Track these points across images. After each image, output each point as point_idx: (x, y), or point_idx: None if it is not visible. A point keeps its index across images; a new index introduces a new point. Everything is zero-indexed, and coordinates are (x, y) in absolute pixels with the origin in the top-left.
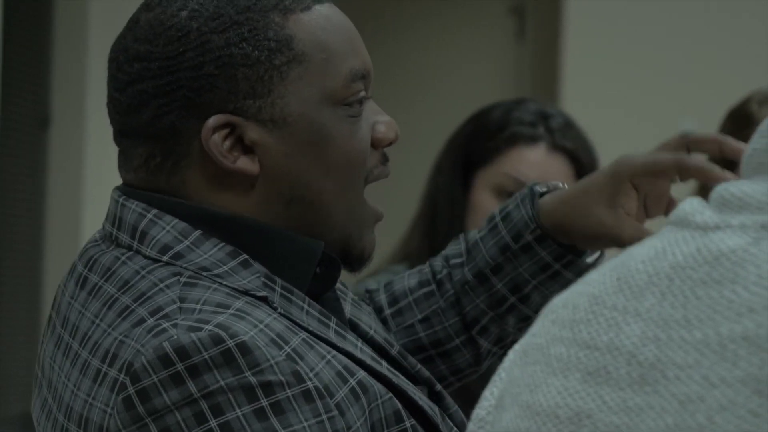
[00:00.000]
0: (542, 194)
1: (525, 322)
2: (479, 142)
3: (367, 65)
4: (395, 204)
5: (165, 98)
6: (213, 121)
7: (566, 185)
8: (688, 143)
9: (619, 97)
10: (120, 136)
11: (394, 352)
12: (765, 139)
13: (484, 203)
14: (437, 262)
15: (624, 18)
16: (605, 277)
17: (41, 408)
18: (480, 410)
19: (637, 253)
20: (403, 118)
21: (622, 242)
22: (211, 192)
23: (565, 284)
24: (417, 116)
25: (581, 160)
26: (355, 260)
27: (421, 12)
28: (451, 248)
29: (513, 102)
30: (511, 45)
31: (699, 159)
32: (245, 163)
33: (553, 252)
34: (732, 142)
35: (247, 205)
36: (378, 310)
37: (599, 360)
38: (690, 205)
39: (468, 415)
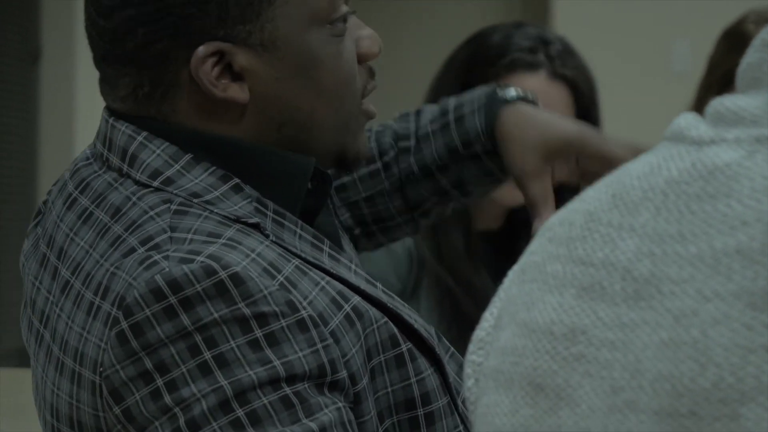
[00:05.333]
0: (508, 101)
1: (465, 205)
2: (478, 67)
3: None
4: None
5: (153, 25)
6: (203, 49)
7: (537, 100)
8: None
9: (612, 20)
10: (103, 63)
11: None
12: (759, 53)
13: None
14: (385, 138)
15: None
16: (600, 193)
17: (28, 328)
18: (480, 331)
19: (633, 169)
20: (394, 46)
21: (524, 191)
22: (202, 120)
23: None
24: (407, 44)
25: (581, 89)
26: (351, 164)
27: None
28: (401, 125)
29: (512, 26)
30: None
31: None
32: (235, 92)
33: (500, 165)
34: None
35: (238, 132)
36: None
37: (594, 276)
38: (685, 120)
39: (462, 335)
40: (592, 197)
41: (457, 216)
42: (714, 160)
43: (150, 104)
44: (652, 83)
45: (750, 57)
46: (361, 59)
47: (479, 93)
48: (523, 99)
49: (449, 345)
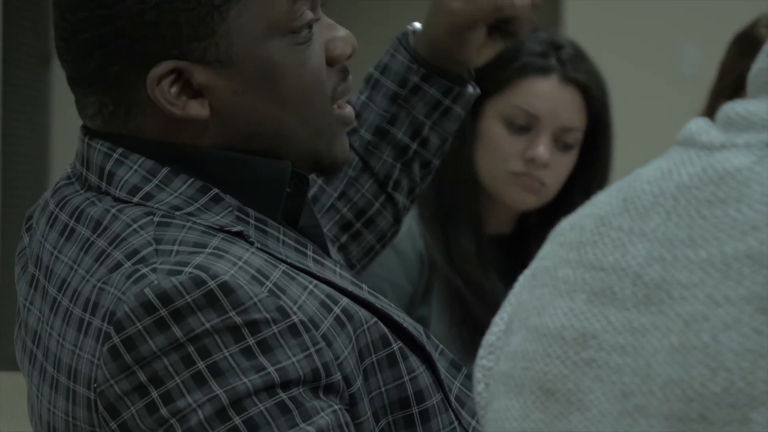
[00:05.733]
0: (415, 32)
1: (427, 168)
2: (489, 70)
3: None
4: None
5: (108, 48)
6: (158, 69)
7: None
8: None
9: (623, 24)
10: (71, 83)
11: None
12: None
13: (493, 132)
14: None
15: None
16: (611, 198)
17: (22, 349)
18: (490, 336)
19: (644, 174)
20: None
21: (481, 18)
22: (168, 136)
23: (457, 119)
24: None
25: (592, 93)
26: (328, 169)
27: None
28: None
29: None
30: None
31: None
32: (194, 109)
33: (441, 87)
34: None
35: (205, 145)
36: None
37: (605, 281)
38: (696, 125)
39: (472, 339)
40: (602, 202)
41: (468, 220)
42: (725, 165)
43: (116, 122)
44: (662, 87)
45: (761, 62)
46: (332, 62)
47: (390, 44)
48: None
49: (438, 342)
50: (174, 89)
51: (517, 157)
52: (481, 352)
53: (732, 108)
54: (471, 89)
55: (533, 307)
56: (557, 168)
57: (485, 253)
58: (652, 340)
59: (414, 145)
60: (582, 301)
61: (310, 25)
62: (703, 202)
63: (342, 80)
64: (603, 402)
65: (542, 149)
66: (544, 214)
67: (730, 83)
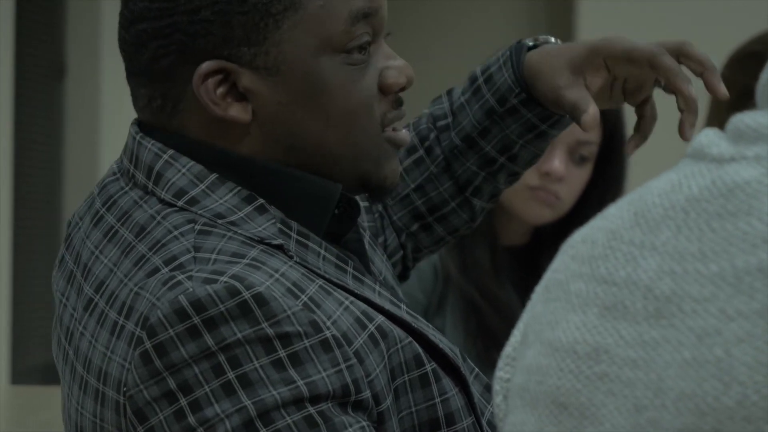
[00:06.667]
0: (530, 48)
1: (514, 176)
2: None
3: (373, 3)
4: None
5: (162, 41)
6: (205, 66)
7: (558, 41)
8: (681, 53)
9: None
10: (128, 74)
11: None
12: None
13: None
14: (423, 125)
15: None
16: (622, 211)
17: (57, 345)
18: (508, 348)
19: (654, 187)
20: (417, 70)
21: (563, 104)
22: (208, 136)
23: (552, 139)
24: (431, 69)
25: (606, 115)
26: (376, 192)
27: None
28: (436, 107)
29: None
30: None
31: (673, 61)
32: (237, 111)
33: (539, 113)
34: (715, 78)
35: (246, 149)
36: None
37: (617, 295)
38: (706, 137)
39: (487, 350)
40: (613, 215)
41: (483, 232)
42: (734, 178)
43: (163, 116)
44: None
45: None
46: (386, 90)
47: (503, 50)
48: (545, 42)
49: (473, 365)
50: (220, 90)
51: (532, 171)
52: (500, 363)
53: (741, 120)
54: None
55: (547, 321)
56: (572, 181)
57: (500, 264)
58: (663, 353)
59: (502, 159)
60: (594, 316)
61: (365, 48)
62: (713, 215)
63: (394, 109)
64: (616, 416)
65: (557, 163)
66: (559, 226)
67: (732, 100)
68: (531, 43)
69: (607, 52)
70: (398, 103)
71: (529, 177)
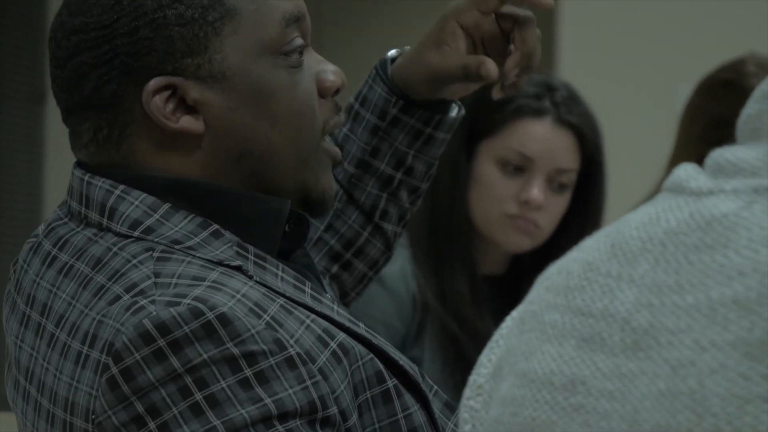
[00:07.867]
0: (393, 60)
1: (415, 193)
2: (484, 112)
3: (300, 8)
4: None
5: (104, 67)
6: (153, 84)
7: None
8: None
9: (616, 65)
10: (67, 115)
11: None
12: (758, 105)
13: (487, 174)
14: None
15: None
16: (599, 243)
17: (14, 388)
18: (477, 377)
19: (632, 220)
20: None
21: (452, 73)
22: (160, 156)
23: (441, 144)
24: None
25: (586, 135)
26: (316, 205)
27: None
28: None
29: None
30: None
31: None
32: (189, 122)
33: (421, 117)
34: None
35: (197, 166)
36: None
37: (594, 327)
38: (685, 171)
39: (465, 381)
40: (590, 247)
41: (462, 260)
42: (712, 211)
43: (110, 146)
44: (656, 127)
45: (750, 108)
46: (323, 93)
47: (369, 74)
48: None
49: (432, 383)
50: (169, 105)
51: (511, 200)
52: (468, 392)
53: (721, 155)
54: (453, 112)
55: (521, 352)
56: (551, 210)
57: (479, 294)
58: (639, 385)
59: (398, 175)
60: (571, 347)
61: (300, 51)
62: (690, 248)
63: (334, 113)
64: None
65: (536, 192)
66: (538, 255)
67: (702, 129)
68: (394, 54)
69: (454, 10)
70: (338, 109)
71: (508, 205)
